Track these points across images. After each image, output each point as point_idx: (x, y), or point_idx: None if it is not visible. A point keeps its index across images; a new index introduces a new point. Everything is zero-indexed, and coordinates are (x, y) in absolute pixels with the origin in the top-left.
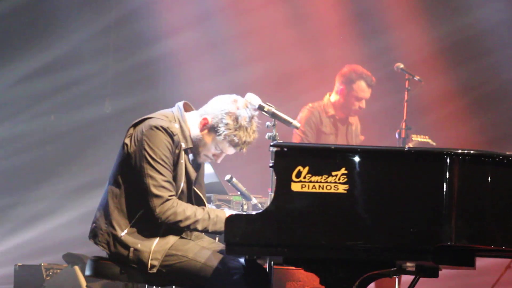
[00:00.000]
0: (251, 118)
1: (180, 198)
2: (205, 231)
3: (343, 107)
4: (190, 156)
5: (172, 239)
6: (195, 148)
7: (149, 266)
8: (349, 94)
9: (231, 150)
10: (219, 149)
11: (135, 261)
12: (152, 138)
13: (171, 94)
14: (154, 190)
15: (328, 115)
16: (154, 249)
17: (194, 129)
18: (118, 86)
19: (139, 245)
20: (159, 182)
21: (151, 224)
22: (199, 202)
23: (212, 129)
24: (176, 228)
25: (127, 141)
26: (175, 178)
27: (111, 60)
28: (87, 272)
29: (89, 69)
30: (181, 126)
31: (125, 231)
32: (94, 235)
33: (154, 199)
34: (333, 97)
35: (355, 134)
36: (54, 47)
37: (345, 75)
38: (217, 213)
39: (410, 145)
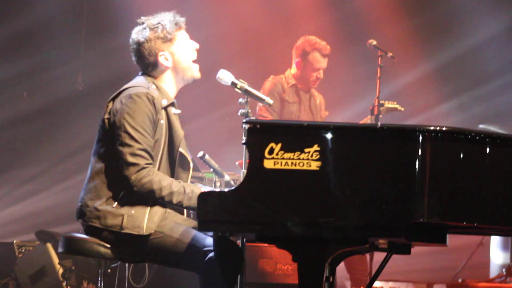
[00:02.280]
0: (148, 18)
1: (161, 160)
2: (179, 205)
3: (301, 79)
4: (174, 111)
5: (159, 210)
6: (184, 73)
7: (145, 228)
8: (305, 66)
9: (184, 32)
10: (183, 42)
11: (129, 227)
12: (132, 106)
13: None
14: (130, 158)
15: (290, 85)
16: (150, 213)
17: (168, 74)
18: (90, 62)
19: (133, 211)
20: (135, 151)
21: (140, 195)
22: (184, 164)
23: (167, 45)
24: (154, 200)
25: (106, 116)
26: (155, 141)
27: (83, 35)
28: (60, 249)
29: (61, 45)
30: (157, 86)
31: (115, 203)
32: (81, 214)
33: (130, 167)
34: (292, 69)
35: (319, 108)
36: (25, 22)
37: (299, 47)
38: (192, 188)
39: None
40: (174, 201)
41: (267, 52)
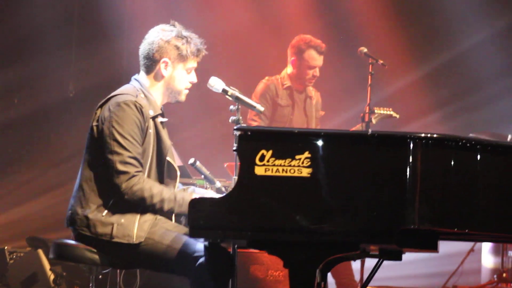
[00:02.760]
0: (181, 28)
1: (150, 170)
2: (171, 211)
3: (297, 77)
4: (161, 120)
5: (150, 217)
6: (173, 91)
7: (135, 237)
8: (301, 64)
9: (195, 62)
10: (189, 70)
11: (119, 235)
12: (120, 114)
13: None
14: (120, 167)
15: (284, 87)
16: (140, 222)
17: (159, 85)
18: (81, 69)
19: (122, 220)
20: (125, 159)
21: (130, 203)
22: (171, 173)
23: (177, 60)
24: (145, 207)
25: (94, 123)
26: (144, 151)
27: (74, 42)
28: (51, 255)
29: (52, 52)
30: (145, 95)
31: (105, 212)
32: (71, 221)
33: (121, 175)
34: (288, 69)
35: (316, 109)
36: (16, 29)
37: (294, 46)
38: (183, 195)
39: (373, 119)
40: (165, 208)
41: (259, 56)
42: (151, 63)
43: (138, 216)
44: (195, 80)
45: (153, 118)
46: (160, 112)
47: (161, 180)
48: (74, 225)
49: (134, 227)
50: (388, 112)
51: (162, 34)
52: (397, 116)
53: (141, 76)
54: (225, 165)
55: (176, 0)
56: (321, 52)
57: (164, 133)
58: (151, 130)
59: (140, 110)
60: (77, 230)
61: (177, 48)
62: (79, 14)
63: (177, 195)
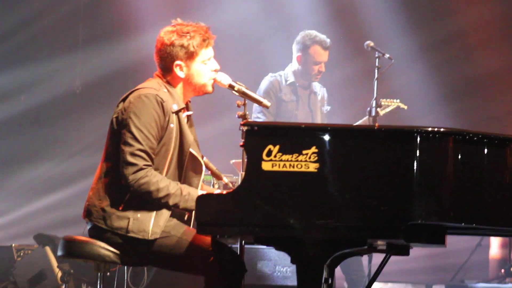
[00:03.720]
0: (181, 24)
1: (170, 164)
2: (176, 206)
3: (303, 73)
4: (186, 114)
5: (166, 213)
6: (197, 86)
7: (150, 233)
8: (306, 60)
9: (210, 50)
10: (206, 61)
11: (134, 230)
12: (139, 106)
13: (141, 71)
14: (129, 158)
15: (288, 83)
16: (156, 216)
17: (180, 85)
18: (88, 65)
19: (138, 215)
20: (135, 151)
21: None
22: (197, 167)
23: (188, 59)
24: (151, 201)
25: (115, 115)
26: (164, 144)
27: (81, 39)
28: (60, 252)
29: (59, 49)
30: (168, 90)
31: (122, 205)
32: (88, 213)
33: (129, 167)
34: (293, 65)
35: (321, 104)
36: (23, 26)
37: (299, 42)
38: (189, 191)
39: (380, 111)
40: (170, 202)
41: (265, 51)
42: (166, 68)
43: (154, 212)
44: (217, 66)
45: (177, 112)
46: (183, 106)
47: (180, 175)
48: (90, 216)
49: (150, 223)
50: (395, 104)
51: (166, 38)
52: (405, 107)
53: (162, 74)
54: (232, 162)
55: None
56: (327, 47)
57: (187, 128)
58: (173, 125)
59: (160, 104)
60: (92, 222)
61: (183, 46)
62: (86, 11)
63: (183, 190)
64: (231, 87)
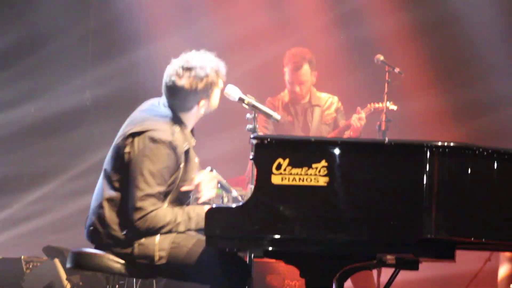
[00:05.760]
0: (198, 59)
1: (174, 192)
2: (189, 230)
3: (289, 92)
4: (191, 152)
5: (169, 235)
6: (209, 111)
7: (156, 258)
8: (287, 79)
9: (217, 93)
10: (219, 95)
11: (141, 256)
12: (155, 152)
13: (151, 84)
14: (139, 202)
15: (283, 105)
16: (160, 240)
17: (195, 114)
18: (98, 77)
19: (143, 240)
20: (145, 195)
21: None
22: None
23: (208, 95)
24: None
25: (127, 150)
26: (173, 180)
27: (90, 51)
28: (69, 265)
29: (69, 61)
30: (181, 128)
31: (125, 231)
32: (93, 238)
33: (137, 212)
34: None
35: (322, 119)
36: (33, 38)
37: (283, 60)
38: (197, 211)
39: (361, 111)
40: (182, 229)
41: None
42: (187, 108)
43: (158, 235)
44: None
45: (187, 150)
46: (193, 144)
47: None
48: (94, 242)
49: (155, 247)
50: (379, 105)
51: (184, 81)
52: (395, 107)
53: (177, 110)
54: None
55: (191, 11)
56: (297, 67)
57: (192, 159)
58: (182, 164)
59: (174, 150)
60: (100, 242)
61: (205, 90)
62: (96, 24)
63: (190, 213)
64: (241, 100)
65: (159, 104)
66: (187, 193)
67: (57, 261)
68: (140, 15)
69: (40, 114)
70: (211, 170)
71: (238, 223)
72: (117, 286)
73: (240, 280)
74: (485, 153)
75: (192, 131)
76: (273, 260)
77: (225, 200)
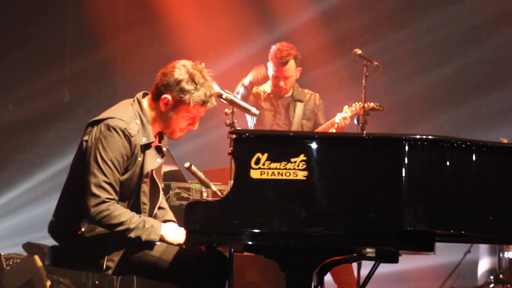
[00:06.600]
0: (201, 71)
1: (135, 195)
2: (138, 239)
3: (272, 85)
4: (151, 150)
5: (117, 247)
6: (167, 127)
7: (104, 267)
8: (272, 72)
9: (202, 111)
10: (191, 115)
11: (91, 262)
12: (108, 138)
13: (129, 82)
14: (93, 189)
15: (265, 95)
16: (110, 249)
17: (157, 116)
18: (76, 74)
19: (90, 248)
20: (100, 182)
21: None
22: (155, 191)
23: (178, 103)
24: (111, 233)
25: (86, 138)
26: (129, 178)
27: (69, 47)
28: (47, 262)
29: (47, 57)
30: (142, 121)
31: (83, 229)
32: (52, 230)
33: (92, 198)
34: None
35: (303, 115)
36: (10, 33)
37: (268, 53)
38: (153, 223)
39: (349, 110)
40: (132, 236)
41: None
42: (157, 94)
43: (106, 246)
44: (194, 128)
45: (146, 145)
46: (153, 140)
47: (139, 199)
48: (53, 233)
49: (104, 257)
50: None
51: (178, 71)
52: (381, 108)
53: (147, 98)
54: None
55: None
56: (282, 62)
57: (148, 162)
58: (140, 158)
59: (128, 138)
60: (55, 239)
61: (182, 91)
62: (73, 19)
63: (146, 223)
64: (219, 95)
65: (134, 102)
66: (155, 201)
67: (37, 258)
68: (118, 9)
69: (18, 110)
70: (190, 165)
71: (218, 218)
72: (96, 282)
73: (221, 275)
74: (464, 145)
75: (161, 136)
76: (253, 254)
77: (205, 195)
